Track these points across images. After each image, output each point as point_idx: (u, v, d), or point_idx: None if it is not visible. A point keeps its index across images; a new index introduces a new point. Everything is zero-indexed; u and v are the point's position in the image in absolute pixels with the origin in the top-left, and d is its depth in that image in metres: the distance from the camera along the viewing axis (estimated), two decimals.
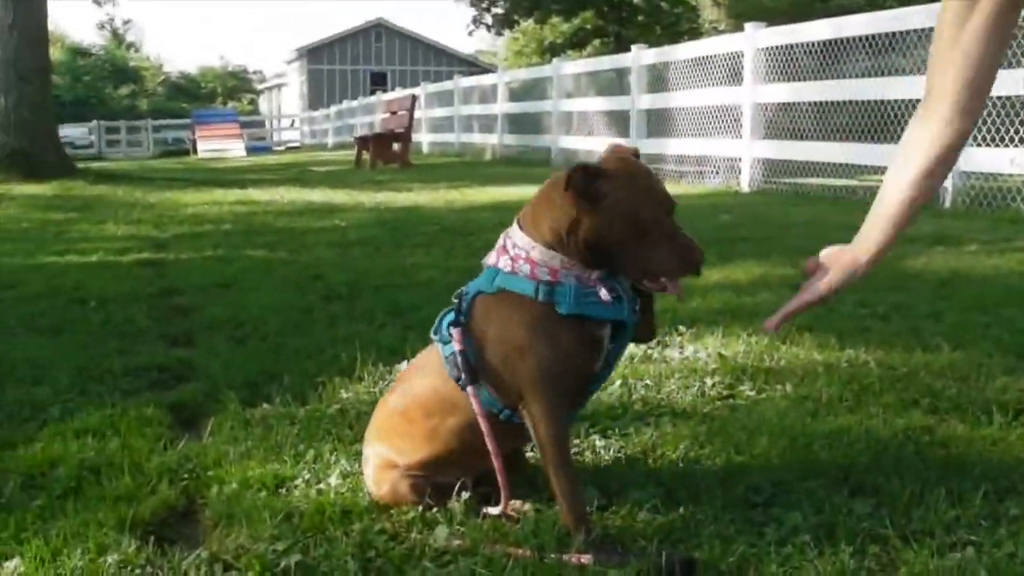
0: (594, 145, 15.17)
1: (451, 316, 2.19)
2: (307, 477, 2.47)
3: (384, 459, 2.30)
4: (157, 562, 2.03)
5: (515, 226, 2.14)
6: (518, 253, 2.10)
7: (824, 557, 1.94)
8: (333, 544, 2.08)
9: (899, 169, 2.14)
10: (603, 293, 2.06)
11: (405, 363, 3.51)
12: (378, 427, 2.36)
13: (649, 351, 3.62)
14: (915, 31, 8.94)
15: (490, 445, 2.13)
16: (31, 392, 3.34)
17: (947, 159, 2.11)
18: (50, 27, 15.87)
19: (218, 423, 2.93)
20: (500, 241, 2.17)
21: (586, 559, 1.95)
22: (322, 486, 2.41)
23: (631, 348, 3.66)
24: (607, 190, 2.01)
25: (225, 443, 2.75)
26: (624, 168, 2.06)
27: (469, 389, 2.13)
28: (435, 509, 2.22)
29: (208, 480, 2.49)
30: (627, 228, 2.01)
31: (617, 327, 2.12)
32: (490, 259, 2.17)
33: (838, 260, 2.17)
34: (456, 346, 2.14)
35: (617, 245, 2.03)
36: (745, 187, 10.93)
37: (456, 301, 2.19)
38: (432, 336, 2.24)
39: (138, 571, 1.99)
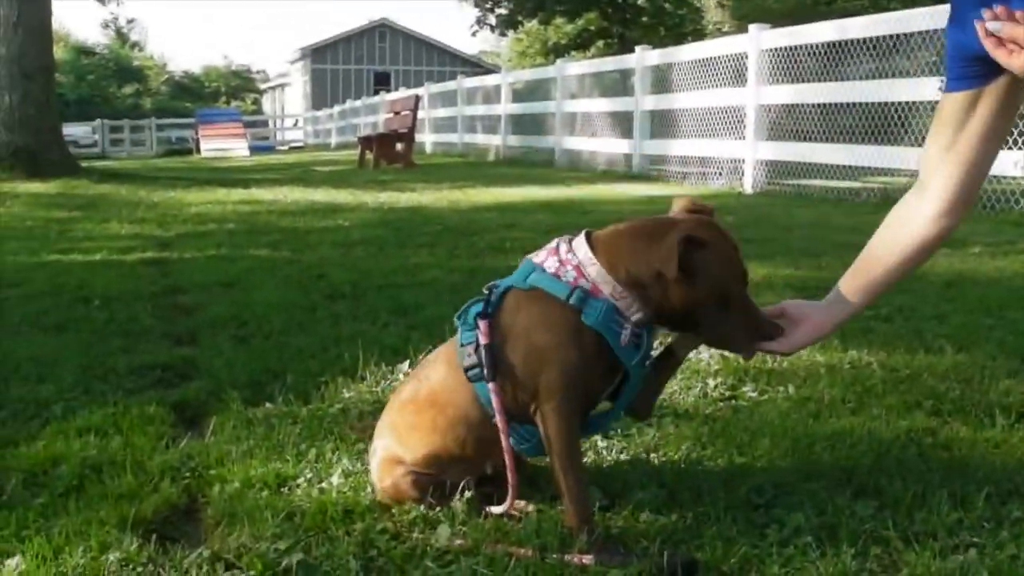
0: (598, 146, 15.18)
1: (479, 306, 2.18)
2: (309, 476, 2.47)
3: (390, 453, 2.30)
4: (159, 560, 2.03)
5: (582, 238, 2.15)
6: (570, 259, 2.11)
7: (826, 558, 1.94)
8: (335, 543, 2.08)
9: (883, 248, 2.23)
10: (625, 335, 2.07)
11: (407, 363, 3.51)
12: (388, 418, 2.37)
13: (652, 352, 3.60)
14: (919, 33, 8.94)
15: (504, 442, 2.13)
16: (35, 390, 3.34)
17: (932, 250, 2.23)
18: (54, 26, 15.89)
19: (220, 422, 2.93)
20: (553, 243, 2.18)
21: (588, 559, 1.95)
22: (324, 485, 2.41)
23: None
24: (704, 263, 2.04)
25: (227, 442, 2.75)
26: (717, 238, 2.09)
27: (491, 385, 2.12)
28: (437, 508, 2.23)
29: (210, 479, 2.49)
30: (713, 299, 2.07)
31: (624, 376, 2.14)
32: (537, 256, 2.17)
33: (806, 319, 2.23)
34: (482, 339, 2.13)
35: (700, 310, 2.08)
36: (748, 188, 10.93)
37: (486, 292, 2.19)
38: (455, 320, 2.24)
39: (140, 569, 1.99)
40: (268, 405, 3.12)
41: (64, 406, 3.14)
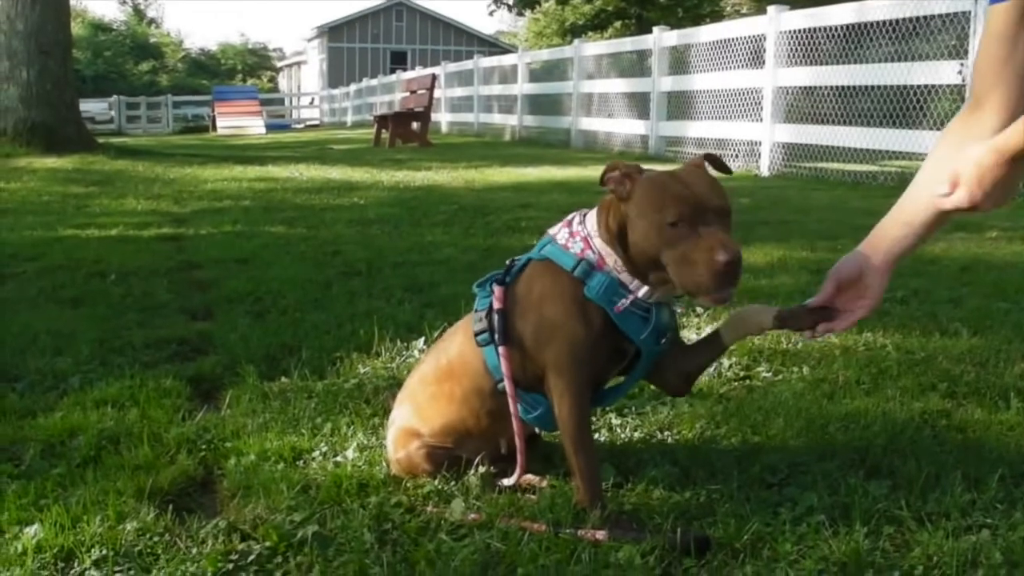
0: (614, 127, 15.15)
1: (498, 275, 2.22)
2: (324, 450, 2.49)
3: (407, 425, 2.32)
4: (175, 530, 2.06)
5: (594, 210, 2.16)
6: (579, 231, 2.13)
7: (839, 537, 1.94)
8: (350, 516, 2.10)
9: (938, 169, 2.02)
10: (623, 303, 2.07)
11: (423, 340, 3.53)
12: (409, 387, 2.40)
13: None
14: (939, 16, 8.88)
15: (512, 406, 2.15)
16: (52, 362, 3.37)
17: None
18: (72, 2, 15.90)
19: (236, 396, 2.95)
20: (570, 216, 2.20)
21: (601, 535, 1.96)
22: (339, 459, 2.43)
23: None
24: (634, 191, 2.02)
25: (243, 415, 2.77)
26: (652, 176, 2.04)
27: (501, 349, 2.14)
28: (452, 483, 2.24)
29: (226, 451, 2.51)
30: (649, 232, 1.99)
31: (637, 353, 2.14)
32: (552, 229, 2.20)
33: (862, 265, 2.11)
34: (496, 304, 2.17)
35: (650, 249, 2.00)
36: (765, 171, 10.89)
37: (508, 263, 2.23)
38: (474, 288, 2.26)
39: (156, 538, 2.01)
40: (284, 379, 3.13)
41: (81, 378, 3.16)
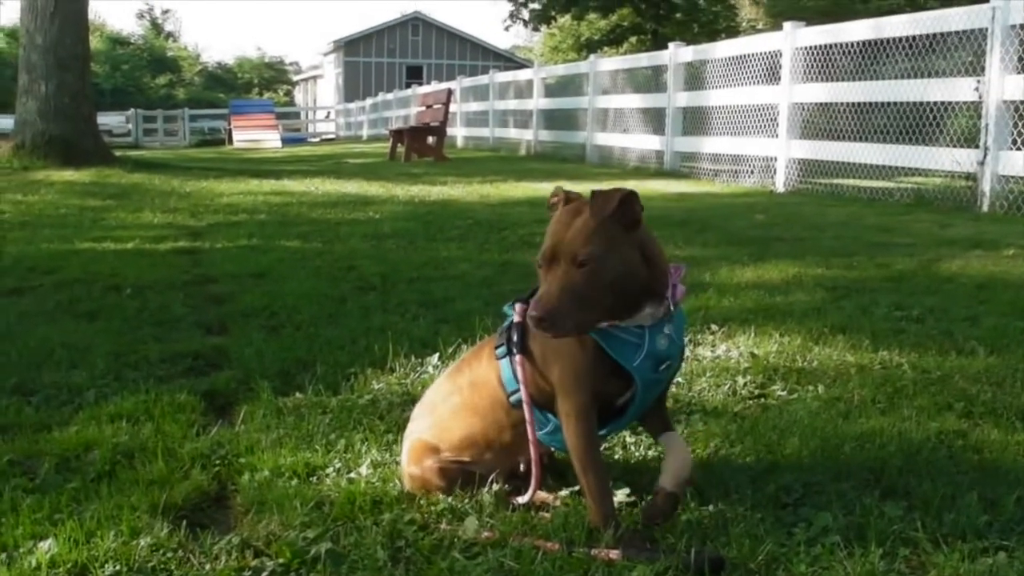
0: (629, 142, 15.15)
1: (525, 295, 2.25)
2: (338, 466, 2.48)
3: (424, 441, 2.34)
4: (189, 546, 2.06)
5: None
6: None
7: (854, 558, 1.93)
8: (363, 533, 2.10)
9: None
10: (602, 324, 2.08)
11: (437, 356, 3.53)
12: (427, 401, 2.43)
13: None
14: (956, 33, 8.87)
15: (527, 413, 2.16)
16: (67, 376, 3.38)
17: None
18: (90, 16, 15.99)
19: (251, 411, 2.96)
20: None
21: (614, 555, 1.96)
22: (353, 475, 2.43)
23: None
24: None
25: (257, 431, 2.77)
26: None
27: (517, 357, 2.16)
28: (466, 500, 2.24)
29: (240, 467, 2.51)
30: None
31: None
32: None
33: None
34: (516, 318, 2.20)
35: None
36: (780, 187, 10.87)
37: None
38: (505, 309, 2.29)
39: (170, 554, 2.01)
40: (298, 395, 3.14)
41: (96, 392, 3.18)
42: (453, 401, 2.34)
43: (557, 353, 2.12)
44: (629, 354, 2.09)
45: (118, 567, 1.94)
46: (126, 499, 2.27)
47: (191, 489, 2.35)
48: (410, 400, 2.99)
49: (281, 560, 1.98)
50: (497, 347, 2.24)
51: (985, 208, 8.31)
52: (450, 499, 2.24)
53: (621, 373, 2.11)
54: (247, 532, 2.12)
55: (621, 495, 2.25)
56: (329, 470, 2.47)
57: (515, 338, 2.19)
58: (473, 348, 2.47)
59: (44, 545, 2.02)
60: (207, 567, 1.97)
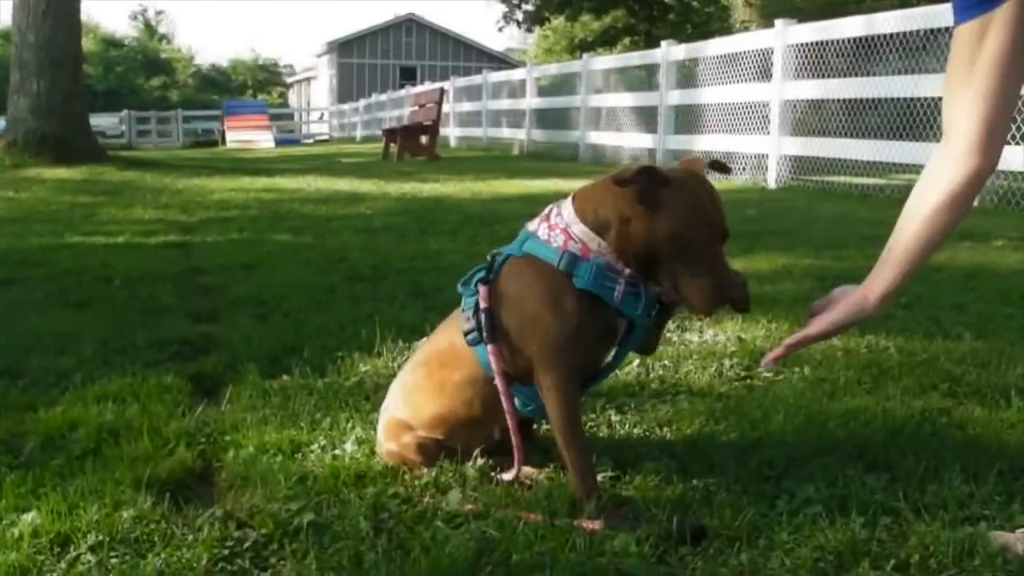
0: (622, 141, 15.16)
1: (482, 273, 2.23)
2: (323, 443, 2.49)
3: (398, 417, 2.34)
4: (172, 518, 2.06)
5: (568, 200, 2.16)
6: (557, 223, 2.13)
7: (835, 527, 1.94)
8: (346, 506, 2.10)
9: (915, 205, 2.04)
10: (620, 288, 2.07)
11: (424, 340, 3.52)
12: (400, 378, 2.42)
13: (667, 334, 3.62)
14: (947, 29, 8.88)
15: (505, 403, 2.15)
16: (55, 361, 3.38)
17: (963, 196, 1.99)
18: (83, 17, 15.99)
19: (236, 392, 2.96)
20: (545, 210, 2.19)
21: (597, 525, 1.96)
22: (337, 452, 2.43)
23: None
24: (667, 201, 2.00)
25: (243, 410, 2.78)
26: (690, 184, 2.04)
27: (489, 347, 2.15)
28: (450, 475, 2.24)
29: (225, 444, 2.52)
30: (674, 245, 2.00)
31: (630, 326, 2.14)
32: (531, 224, 2.20)
33: (846, 297, 2.08)
34: (483, 303, 2.18)
35: (659, 257, 2.02)
36: (772, 183, 10.88)
37: (489, 259, 2.24)
38: (459, 287, 2.28)
39: (152, 526, 2.01)
40: (285, 377, 3.14)
41: (83, 375, 3.17)
42: (420, 383, 2.33)
43: (535, 327, 2.11)
44: (634, 305, 2.10)
45: (100, 537, 1.94)
46: (110, 474, 2.26)
47: (175, 465, 2.35)
48: None
49: (264, 531, 1.98)
50: (466, 333, 2.21)
51: (975, 202, 8.29)
52: (433, 473, 2.25)
53: (612, 327, 2.11)
54: (230, 505, 2.12)
55: (604, 468, 2.26)
56: (314, 447, 2.47)
57: (483, 324, 2.16)
58: (440, 325, 2.44)
59: (27, 517, 2.02)
60: (189, 538, 1.96)
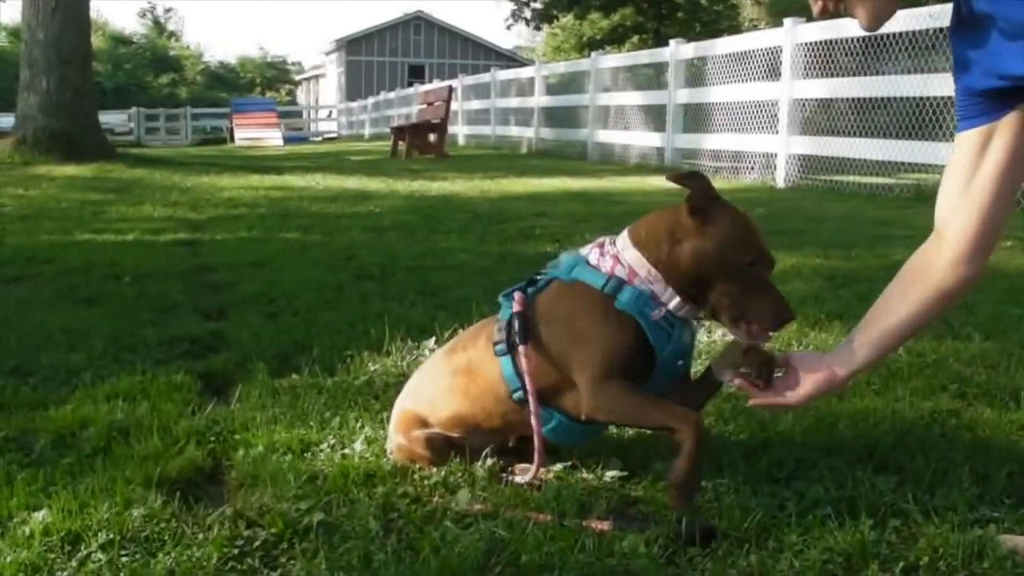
0: (630, 139, 15.15)
1: (524, 286, 2.27)
2: (332, 442, 2.50)
3: (412, 410, 2.36)
4: (182, 517, 2.07)
5: (624, 231, 2.20)
6: (610, 250, 2.18)
7: (844, 529, 1.94)
8: (356, 505, 2.11)
9: (901, 294, 2.06)
10: (657, 312, 2.10)
11: (433, 340, 3.53)
12: (419, 376, 2.45)
13: None
14: None
15: (532, 405, 2.16)
16: (65, 358, 3.39)
17: (951, 298, 2.04)
18: (92, 14, 16.02)
19: (246, 391, 2.97)
20: (600, 239, 2.23)
21: (606, 525, 1.96)
22: (347, 451, 2.44)
23: None
24: (717, 217, 2.07)
25: (253, 409, 2.78)
26: (738, 213, 2.12)
27: (522, 348, 2.16)
28: (459, 474, 2.25)
29: (235, 443, 2.53)
30: (723, 264, 2.06)
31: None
32: (583, 249, 2.24)
33: (814, 369, 2.11)
34: (515, 306, 2.20)
35: (709, 274, 2.07)
36: (781, 183, 10.87)
37: (532, 278, 2.28)
38: (500, 299, 2.29)
39: (163, 524, 2.02)
40: (294, 376, 3.15)
41: (93, 373, 3.19)
42: (446, 382, 2.34)
43: (583, 340, 2.13)
44: (664, 343, 2.12)
45: (111, 536, 1.95)
46: (120, 472, 2.28)
47: (185, 464, 2.36)
48: (406, 381, 2.99)
49: (274, 530, 1.99)
50: (496, 344, 2.23)
51: None
52: (443, 473, 2.25)
53: (647, 360, 2.12)
54: (240, 504, 2.12)
55: (614, 468, 2.26)
56: (323, 446, 2.48)
57: (517, 329, 2.18)
58: (470, 330, 2.46)
59: (38, 515, 2.04)
60: (200, 537, 1.97)
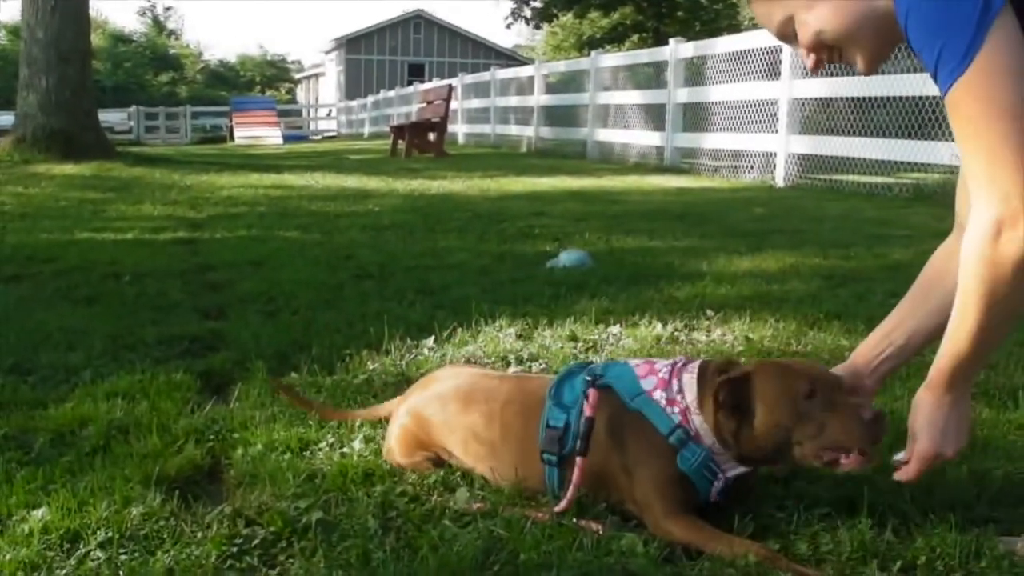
0: (630, 138, 15.15)
1: (581, 379, 2.17)
2: (331, 441, 2.50)
3: (413, 432, 2.35)
4: (181, 515, 2.07)
5: (693, 379, 2.07)
6: (678, 399, 2.05)
7: (844, 529, 1.95)
8: (354, 504, 2.11)
9: (929, 284, 2.13)
10: (716, 487, 2.03)
11: (432, 339, 3.54)
12: (427, 400, 2.39)
13: (676, 333, 3.62)
14: None
15: (576, 477, 2.08)
16: (64, 357, 3.39)
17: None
18: (92, 12, 16.01)
19: (245, 389, 2.97)
20: (665, 373, 2.10)
21: (599, 527, 1.97)
22: (345, 450, 2.44)
23: (658, 328, 3.68)
24: (754, 392, 1.98)
25: (252, 408, 2.79)
26: (769, 368, 2.03)
27: (579, 460, 2.08)
28: (457, 474, 2.25)
29: (233, 442, 2.53)
30: (785, 413, 1.96)
31: None
32: (647, 384, 2.10)
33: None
34: (588, 411, 2.10)
35: (780, 436, 1.97)
36: (780, 182, 10.88)
37: (588, 378, 2.15)
38: (547, 393, 2.20)
39: (162, 523, 2.03)
40: (293, 375, 3.15)
41: (93, 372, 3.19)
42: (480, 433, 2.27)
43: (646, 480, 2.03)
44: (705, 483, 2.03)
45: (110, 534, 1.96)
46: (119, 471, 2.28)
47: (184, 462, 2.37)
48: (404, 380, 3.01)
49: (272, 529, 1.99)
50: (543, 451, 2.13)
51: None
52: (441, 472, 2.26)
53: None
54: (239, 502, 2.13)
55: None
56: (322, 445, 2.48)
57: (581, 434, 2.08)
58: (500, 386, 2.34)
59: (37, 513, 2.04)
60: (198, 535, 1.98)
